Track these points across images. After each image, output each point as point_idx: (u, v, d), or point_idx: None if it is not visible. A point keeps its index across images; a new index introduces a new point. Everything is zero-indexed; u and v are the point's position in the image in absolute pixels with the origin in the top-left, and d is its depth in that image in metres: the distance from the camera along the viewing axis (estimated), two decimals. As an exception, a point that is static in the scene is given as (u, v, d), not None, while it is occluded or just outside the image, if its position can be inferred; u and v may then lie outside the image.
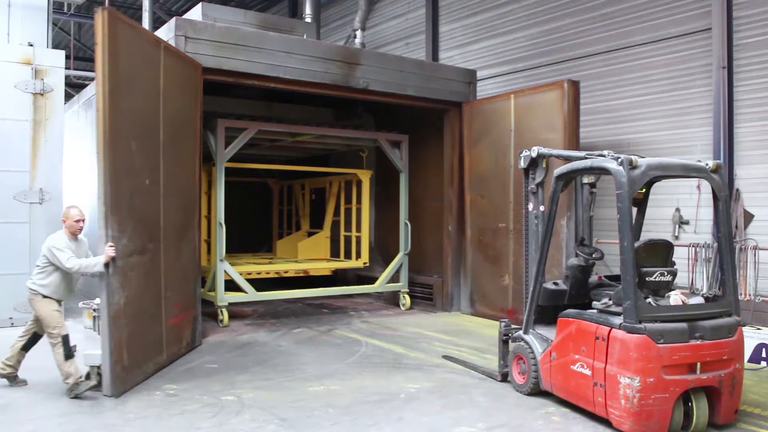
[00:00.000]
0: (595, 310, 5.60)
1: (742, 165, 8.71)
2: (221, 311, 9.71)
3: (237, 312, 10.68)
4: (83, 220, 6.38)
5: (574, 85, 9.39)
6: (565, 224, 8.93)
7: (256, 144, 11.72)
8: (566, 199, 8.48)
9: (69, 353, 6.17)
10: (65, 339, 6.17)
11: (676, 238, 9.16)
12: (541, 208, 6.56)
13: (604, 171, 5.62)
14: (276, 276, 12.08)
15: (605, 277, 6.51)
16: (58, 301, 6.33)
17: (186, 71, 8.13)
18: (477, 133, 10.94)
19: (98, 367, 6.16)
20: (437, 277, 11.64)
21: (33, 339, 6.53)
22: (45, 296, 6.25)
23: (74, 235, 6.35)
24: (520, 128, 10.03)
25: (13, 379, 6.49)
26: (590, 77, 10.44)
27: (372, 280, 11.98)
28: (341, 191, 13.41)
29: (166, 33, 8.74)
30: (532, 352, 6.16)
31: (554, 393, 5.93)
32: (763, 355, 7.38)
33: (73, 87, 17.84)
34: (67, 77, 12.23)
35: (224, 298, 9.81)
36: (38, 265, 6.29)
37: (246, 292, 10.08)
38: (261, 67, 9.15)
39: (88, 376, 6.19)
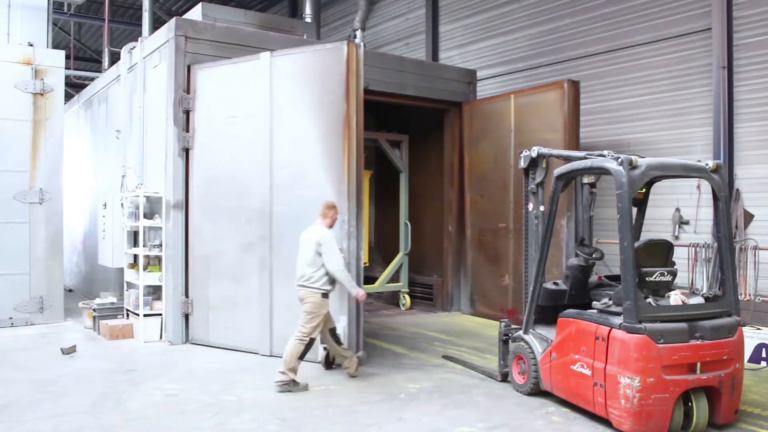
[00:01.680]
0: (595, 310, 5.60)
1: (742, 165, 8.71)
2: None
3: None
4: None
5: (574, 85, 9.39)
6: (565, 224, 8.92)
7: (256, 144, 11.69)
8: (566, 199, 8.48)
9: (304, 355, 6.37)
10: (312, 342, 6.38)
11: (676, 238, 9.15)
12: (541, 208, 6.56)
13: (604, 171, 5.62)
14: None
15: (605, 277, 6.51)
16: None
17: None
18: (477, 133, 10.94)
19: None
20: (437, 277, 11.63)
21: (333, 334, 6.71)
22: (325, 294, 6.39)
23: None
24: (520, 128, 10.02)
25: (330, 366, 7.05)
26: (590, 77, 10.43)
27: (372, 280, 11.96)
28: (341, 191, 13.37)
29: (166, 33, 8.73)
30: (532, 352, 6.16)
31: (554, 393, 5.93)
32: (763, 355, 7.38)
33: (73, 87, 17.84)
34: (67, 77, 12.22)
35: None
36: (312, 264, 6.35)
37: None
38: (261, 67, 9.12)
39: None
